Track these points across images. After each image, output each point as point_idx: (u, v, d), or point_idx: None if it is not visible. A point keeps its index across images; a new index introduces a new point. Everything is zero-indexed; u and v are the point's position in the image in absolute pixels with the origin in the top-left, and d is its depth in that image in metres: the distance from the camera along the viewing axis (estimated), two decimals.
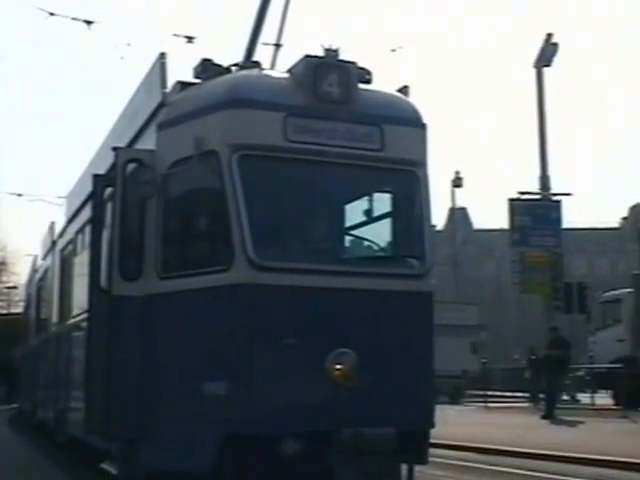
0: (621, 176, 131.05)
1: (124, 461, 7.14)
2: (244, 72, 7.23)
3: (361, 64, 6.96)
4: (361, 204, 7.26)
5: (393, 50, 15.77)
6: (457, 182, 43.08)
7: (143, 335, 6.69)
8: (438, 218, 63.86)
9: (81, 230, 10.01)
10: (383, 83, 7.25)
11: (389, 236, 7.29)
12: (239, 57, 7.88)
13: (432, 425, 6.77)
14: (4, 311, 40.51)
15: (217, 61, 7.09)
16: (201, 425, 6.27)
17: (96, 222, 7.15)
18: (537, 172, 32.23)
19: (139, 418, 6.60)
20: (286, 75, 6.89)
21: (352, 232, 7.34)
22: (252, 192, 6.32)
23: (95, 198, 7.19)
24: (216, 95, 6.70)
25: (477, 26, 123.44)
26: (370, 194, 7.25)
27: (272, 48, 8.55)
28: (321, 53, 6.71)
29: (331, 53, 6.71)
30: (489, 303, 67.66)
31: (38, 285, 15.95)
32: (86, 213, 9.83)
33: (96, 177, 7.26)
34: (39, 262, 16.31)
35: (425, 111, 7.16)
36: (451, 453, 11.28)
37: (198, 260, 6.76)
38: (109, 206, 7.04)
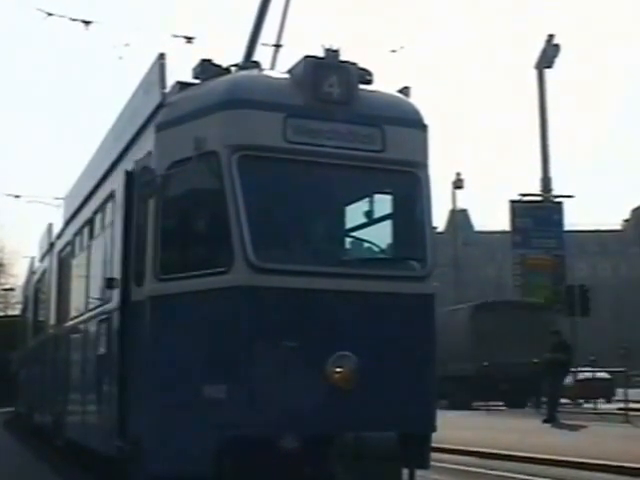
0: (623, 178, 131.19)
1: (125, 464, 7.09)
2: (244, 72, 7.19)
3: (361, 65, 6.90)
4: (362, 205, 7.19)
5: (393, 50, 15.73)
6: (458, 183, 43.13)
7: (142, 337, 6.64)
8: (439, 220, 63.86)
9: (79, 232, 9.96)
10: (384, 84, 7.20)
11: (390, 238, 7.23)
12: (239, 57, 7.85)
13: (433, 429, 6.73)
14: (1, 313, 40.46)
15: (217, 61, 7.04)
16: (201, 428, 6.22)
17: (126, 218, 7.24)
18: (538, 174, 32.24)
19: (140, 421, 6.55)
20: (286, 75, 6.84)
21: (352, 234, 7.28)
22: (252, 193, 6.27)
23: (126, 194, 7.27)
24: (216, 95, 6.65)
25: (478, 26, 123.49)
26: (371, 195, 7.18)
27: (272, 48, 8.52)
28: (321, 53, 6.66)
29: (331, 53, 6.66)
30: None
31: (35, 287, 15.91)
32: (84, 215, 9.78)
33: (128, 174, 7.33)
34: (36, 264, 16.27)
35: (426, 112, 7.12)
36: (452, 457, 11.21)
37: (197, 262, 6.70)
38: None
